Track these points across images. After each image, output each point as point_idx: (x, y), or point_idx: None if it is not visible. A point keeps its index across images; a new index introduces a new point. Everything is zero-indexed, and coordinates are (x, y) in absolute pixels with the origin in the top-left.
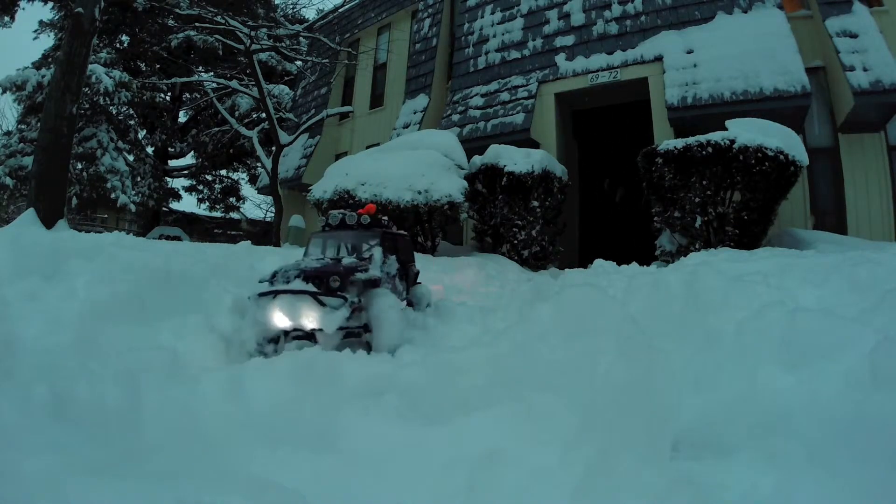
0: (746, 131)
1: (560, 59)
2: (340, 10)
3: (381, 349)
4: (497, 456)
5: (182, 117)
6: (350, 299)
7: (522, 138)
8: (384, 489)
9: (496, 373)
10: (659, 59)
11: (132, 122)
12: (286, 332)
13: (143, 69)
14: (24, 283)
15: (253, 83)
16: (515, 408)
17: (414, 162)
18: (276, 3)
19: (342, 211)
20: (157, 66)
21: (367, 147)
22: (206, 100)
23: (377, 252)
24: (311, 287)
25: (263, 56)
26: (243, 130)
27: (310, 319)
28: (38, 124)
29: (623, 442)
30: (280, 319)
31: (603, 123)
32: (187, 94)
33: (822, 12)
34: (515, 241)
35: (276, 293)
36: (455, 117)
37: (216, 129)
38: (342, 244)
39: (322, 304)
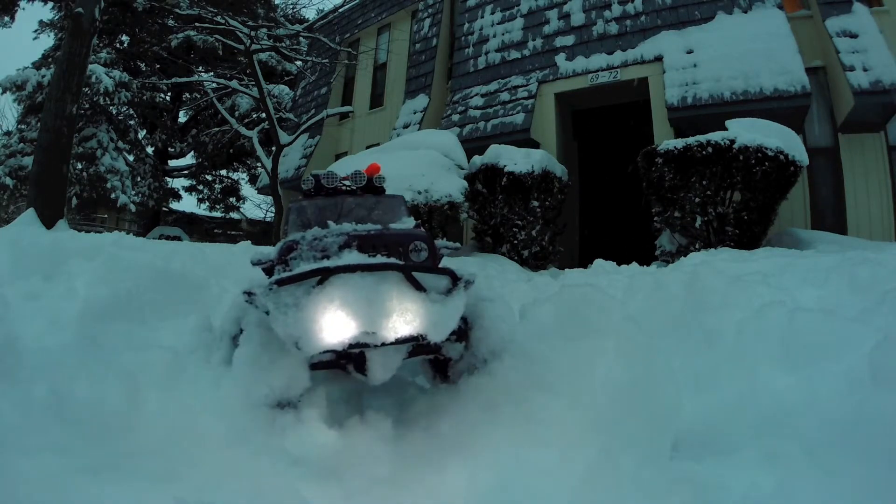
0: (746, 131)
1: (560, 59)
2: (340, 10)
3: (478, 365)
4: (498, 455)
5: (182, 117)
6: (465, 278)
7: (522, 138)
8: (385, 488)
9: (496, 373)
10: (659, 59)
11: (132, 122)
12: (340, 353)
13: (143, 69)
14: (24, 283)
15: (253, 83)
16: (515, 408)
17: (414, 162)
18: (276, 3)
19: (331, 171)
20: (157, 66)
21: (367, 147)
22: (206, 100)
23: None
24: (381, 258)
25: (263, 56)
26: (243, 130)
27: (406, 319)
28: (38, 124)
29: (623, 442)
30: (341, 326)
31: (603, 123)
32: (187, 94)
33: (822, 12)
34: (515, 241)
35: (326, 272)
36: (455, 117)
37: (216, 129)
38: (346, 216)
39: (421, 287)
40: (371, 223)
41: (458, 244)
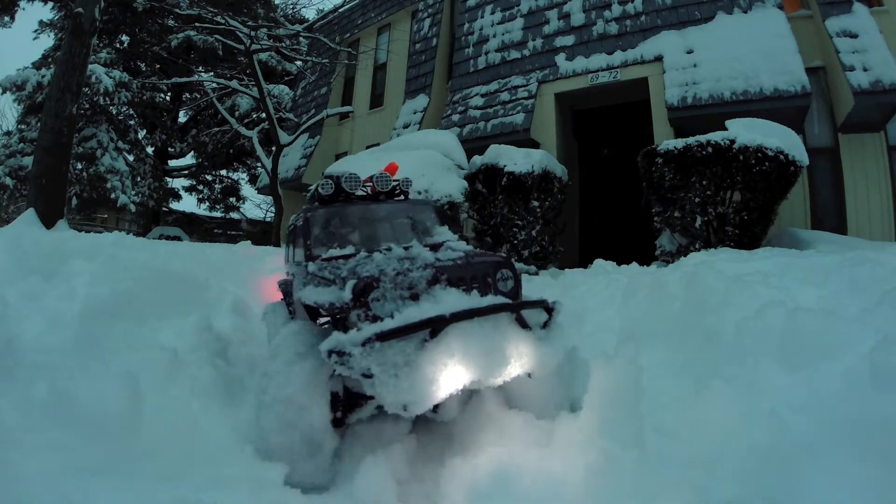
0: (746, 131)
1: (560, 59)
2: (340, 10)
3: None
4: (499, 455)
5: (182, 117)
6: (557, 308)
7: (522, 138)
8: (386, 487)
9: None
10: (659, 59)
11: (132, 122)
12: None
13: (143, 69)
14: (24, 283)
15: (253, 83)
16: (518, 411)
17: (414, 162)
18: (276, 3)
19: (354, 174)
20: (157, 66)
21: (367, 147)
22: (206, 100)
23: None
24: (490, 299)
25: (263, 56)
26: (243, 130)
27: (521, 362)
28: (38, 124)
29: (623, 443)
30: (456, 380)
31: (603, 123)
32: (187, 94)
33: (822, 12)
34: (515, 241)
35: (442, 323)
36: (455, 117)
37: (216, 129)
38: (379, 229)
39: (527, 325)
40: (408, 236)
41: (534, 268)
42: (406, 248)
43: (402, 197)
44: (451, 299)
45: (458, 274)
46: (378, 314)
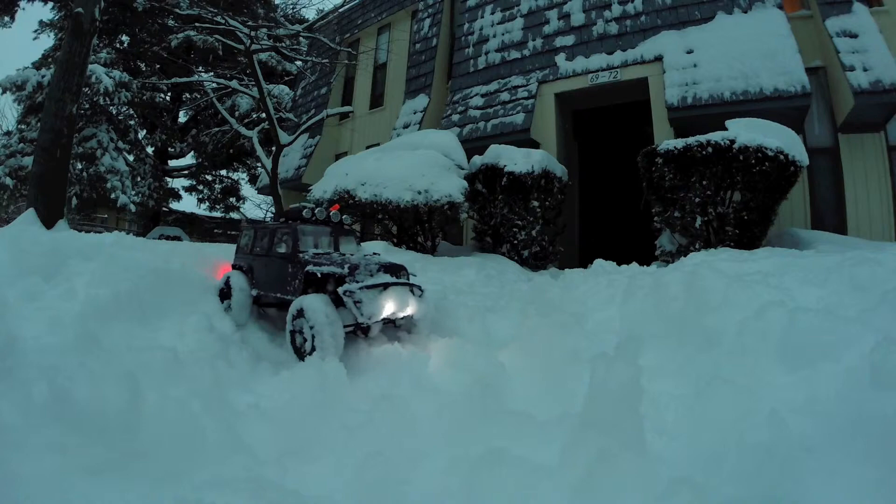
0: (746, 131)
1: (560, 59)
2: (340, 10)
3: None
4: (499, 454)
5: (182, 117)
6: (423, 287)
7: (522, 138)
8: (388, 489)
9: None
10: (659, 59)
11: (132, 122)
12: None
13: (143, 69)
14: (24, 283)
15: (253, 83)
16: (520, 414)
17: (414, 162)
18: (276, 3)
19: (320, 208)
20: (157, 66)
21: (367, 147)
22: (206, 100)
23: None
24: (402, 279)
25: (263, 56)
26: (243, 130)
27: (412, 307)
28: (38, 124)
29: (623, 443)
30: (390, 308)
31: (603, 123)
32: (187, 94)
33: (822, 12)
34: (515, 241)
35: (387, 285)
36: (455, 117)
37: (216, 129)
38: (321, 238)
39: (414, 293)
40: (350, 247)
41: (415, 274)
42: (366, 256)
43: (339, 223)
44: (386, 277)
45: (387, 268)
46: (358, 280)
